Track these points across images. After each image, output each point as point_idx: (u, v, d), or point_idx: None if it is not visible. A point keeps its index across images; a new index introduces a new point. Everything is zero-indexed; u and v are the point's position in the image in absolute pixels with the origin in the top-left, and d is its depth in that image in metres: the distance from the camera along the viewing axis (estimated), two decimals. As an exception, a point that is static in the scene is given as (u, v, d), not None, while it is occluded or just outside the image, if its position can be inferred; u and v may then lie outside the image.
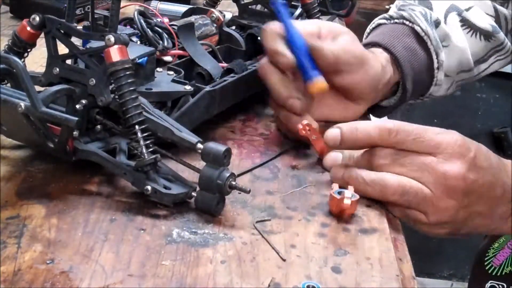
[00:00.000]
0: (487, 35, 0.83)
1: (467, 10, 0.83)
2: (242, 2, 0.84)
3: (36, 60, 0.76)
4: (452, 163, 0.56)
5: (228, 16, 0.83)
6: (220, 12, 0.80)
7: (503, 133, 2.04)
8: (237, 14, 0.85)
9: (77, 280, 0.44)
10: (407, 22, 0.78)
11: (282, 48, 0.64)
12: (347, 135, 0.59)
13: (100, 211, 0.53)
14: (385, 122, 0.58)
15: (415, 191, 0.56)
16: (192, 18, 0.77)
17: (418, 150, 0.57)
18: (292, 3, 0.85)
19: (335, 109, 0.71)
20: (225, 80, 0.67)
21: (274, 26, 0.66)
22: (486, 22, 0.83)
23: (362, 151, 0.60)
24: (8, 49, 0.59)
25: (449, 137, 0.57)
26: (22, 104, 0.49)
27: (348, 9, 0.96)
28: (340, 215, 0.55)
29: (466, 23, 0.82)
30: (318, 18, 0.85)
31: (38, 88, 0.52)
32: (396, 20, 0.79)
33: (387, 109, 0.78)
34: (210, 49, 0.74)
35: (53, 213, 0.52)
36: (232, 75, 0.69)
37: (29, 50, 0.60)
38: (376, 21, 0.83)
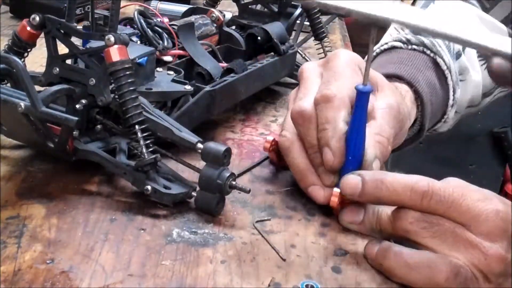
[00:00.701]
0: None
1: None
2: (242, 2, 0.84)
3: (36, 60, 0.76)
4: (492, 243, 0.47)
5: (228, 16, 0.83)
6: (220, 12, 0.80)
7: (503, 133, 2.04)
8: (237, 14, 0.86)
9: (77, 280, 0.44)
10: (429, 52, 0.70)
11: (342, 127, 0.53)
12: (369, 188, 0.50)
13: (100, 211, 0.53)
14: (418, 181, 0.49)
15: (465, 271, 0.47)
16: (192, 18, 0.77)
17: (453, 220, 0.48)
18: (292, 3, 0.85)
19: None
20: (225, 80, 0.67)
21: (343, 94, 0.54)
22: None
23: (388, 207, 0.51)
24: (8, 49, 0.59)
25: (490, 208, 0.47)
26: (22, 104, 0.49)
27: (348, 9, 0.96)
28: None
29: (481, 55, 0.75)
30: (317, 18, 0.85)
31: (38, 88, 0.52)
32: (415, 47, 0.71)
33: (399, 146, 0.68)
34: (210, 49, 0.74)
35: (53, 213, 0.52)
36: (232, 75, 0.69)
37: (29, 50, 0.59)
38: (390, 42, 0.74)
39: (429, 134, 0.76)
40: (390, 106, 0.58)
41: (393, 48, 0.73)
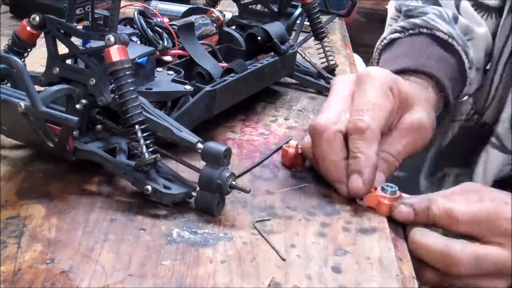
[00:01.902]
0: (500, 11, 0.77)
1: None
2: (242, 2, 0.85)
3: (36, 60, 0.76)
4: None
5: (228, 16, 0.84)
6: (220, 12, 0.80)
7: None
8: (237, 14, 0.86)
9: (77, 280, 0.44)
10: (425, 30, 0.72)
11: (376, 161, 0.56)
12: (421, 219, 0.56)
13: (100, 211, 0.53)
14: (455, 207, 0.55)
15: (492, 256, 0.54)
16: (192, 18, 0.77)
17: (486, 237, 0.54)
18: (292, 3, 0.85)
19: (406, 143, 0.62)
20: (225, 80, 0.67)
21: (375, 126, 0.57)
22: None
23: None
24: (8, 49, 0.59)
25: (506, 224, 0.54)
26: (22, 104, 0.49)
27: (348, 9, 0.96)
28: (293, 167, 0.62)
29: (478, 7, 0.76)
30: (317, 18, 0.85)
31: (38, 88, 0.52)
32: (411, 31, 0.73)
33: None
34: (210, 49, 0.74)
35: (53, 213, 0.52)
36: (232, 75, 0.69)
37: (29, 50, 0.60)
38: (388, 36, 0.76)
39: (455, 102, 0.77)
40: (412, 124, 0.60)
41: (393, 40, 0.74)
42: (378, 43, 0.78)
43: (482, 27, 0.75)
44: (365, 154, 0.56)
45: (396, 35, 0.74)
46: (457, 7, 0.75)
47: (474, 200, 0.56)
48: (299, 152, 0.63)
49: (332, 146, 0.57)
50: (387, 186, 0.57)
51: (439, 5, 0.75)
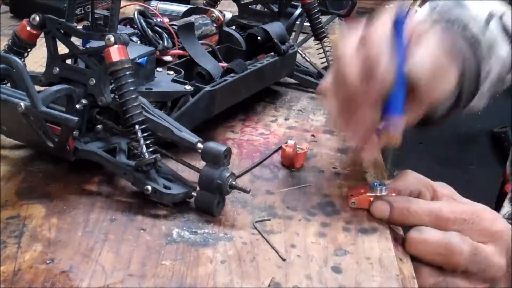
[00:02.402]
0: None
1: (502, 15, 0.75)
2: (242, 2, 0.85)
3: (36, 60, 0.76)
4: (502, 258, 0.56)
5: (228, 16, 0.84)
6: (220, 12, 0.80)
7: (503, 133, 2.04)
8: (237, 14, 0.86)
9: (77, 279, 0.44)
10: (456, 27, 0.69)
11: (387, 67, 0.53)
12: (397, 215, 0.56)
13: (100, 211, 0.53)
14: (441, 208, 0.56)
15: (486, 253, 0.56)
16: (192, 18, 0.77)
17: (471, 236, 0.56)
18: (292, 3, 0.85)
19: None
20: (225, 80, 0.67)
21: (385, 26, 0.54)
22: None
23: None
24: (8, 49, 0.59)
25: (502, 225, 0.57)
26: (22, 104, 0.49)
27: (348, 8, 0.96)
28: (292, 166, 0.62)
29: (505, 31, 0.74)
30: (317, 18, 0.85)
31: (38, 88, 0.52)
32: (443, 24, 0.69)
33: (435, 122, 0.69)
34: (210, 49, 0.74)
35: (53, 213, 0.52)
36: (232, 75, 0.69)
37: (29, 50, 0.59)
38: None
39: (465, 113, 0.74)
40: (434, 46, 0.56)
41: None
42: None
43: (503, 49, 0.74)
44: (378, 49, 0.53)
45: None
46: (487, 22, 0.73)
47: (451, 202, 0.58)
48: (298, 152, 0.63)
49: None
50: (376, 185, 0.57)
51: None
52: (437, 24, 0.69)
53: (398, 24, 0.54)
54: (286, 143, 0.64)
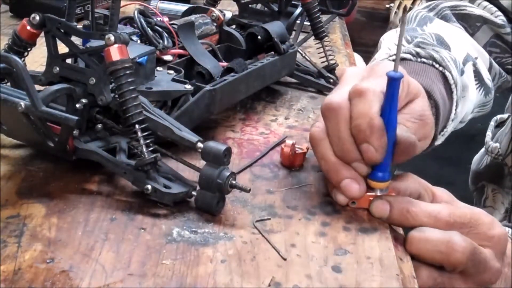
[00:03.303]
0: (487, 92, 0.80)
1: (477, 59, 0.77)
2: (242, 1, 0.84)
3: (36, 59, 0.76)
4: (497, 261, 0.58)
5: (228, 15, 0.83)
6: (220, 11, 0.80)
7: (503, 132, 2.04)
8: (237, 13, 0.86)
9: (77, 279, 0.44)
10: (437, 66, 0.71)
11: (379, 121, 0.53)
12: (396, 215, 0.55)
13: (100, 210, 0.53)
14: (440, 211, 0.56)
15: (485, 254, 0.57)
16: (192, 17, 0.77)
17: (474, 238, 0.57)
18: (292, 2, 0.85)
19: None
20: (225, 79, 0.67)
21: (377, 88, 0.54)
22: (488, 78, 0.79)
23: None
24: (8, 48, 0.59)
25: (499, 231, 0.58)
26: (22, 103, 0.49)
27: (348, 8, 0.96)
28: (291, 166, 0.62)
29: (477, 76, 0.77)
30: (318, 17, 0.85)
31: (38, 87, 0.52)
32: (424, 60, 0.71)
33: None
34: (210, 48, 0.74)
35: (53, 212, 0.52)
36: (232, 74, 0.69)
37: (29, 49, 0.59)
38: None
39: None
40: (416, 111, 0.58)
41: (403, 59, 0.72)
42: (383, 56, 0.75)
43: (473, 93, 0.76)
44: (366, 118, 0.52)
45: (408, 56, 0.72)
46: (464, 65, 0.76)
47: (450, 206, 0.58)
48: (297, 151, 0.63)
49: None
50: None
51: (451, 53, 0.75)
52: (419, 58, 0.71)
53: (393, 83, 0.53)
54: (285, 142, 0.63)
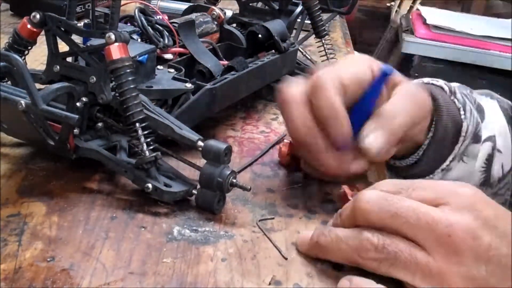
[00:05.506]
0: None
1: (497, 136, 0.69)
2: (243, 0, 0.84)
3: (36, 58, 0.76)
4: (461, 214, 0.44)
5: (229, 13, 0.83)
6: (221, 9, 0.79)
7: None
8: (238, 11, 0.85)
9: (78, 278, 0.44)
10: (462, 112, 0.64)
11: (342, 128, 0.53)
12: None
13: (100, 209, 0.53)
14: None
15: (397, 251, 0.44)
16: (192, 16, 0.77)
17: (421, 200, 0.45)
18: (293, 0, 0.85)
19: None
20: (225, 78, 0.67)
21: (331, 74, 0.54)
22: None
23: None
24: (9, 47, 0.59)
25: (463, 188, 0.46)
26: (23, 102, 0.49)
27: (349, 6, 0.96)
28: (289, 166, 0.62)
29: (488, 160, 0.68)
30: (319, 15, 0.85)
31: (38, 86, 0.52)
32: (456, 101, 0.64)
33: (399, 170, 0.65)
34: (211, 47, 0.74)
35: (54, 210, 0.52)
36: (232, 72, 0.69)
37: (29, 47, 0.59)
38: (440, 81, 0.67)
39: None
40: (407, 89, 0.57)
41: (435, 85, 0.66)
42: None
43: (475, 168, 0.68)
44: (328, 101, 0.52)
45: (446, 87, 0.66)
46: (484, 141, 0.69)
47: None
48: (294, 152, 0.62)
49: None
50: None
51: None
52: (452, 96, 0.65)
53: (383, 74, 0.55)
54: (283, 141, 0.63)
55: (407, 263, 0.44)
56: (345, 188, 0.55)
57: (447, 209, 0.44)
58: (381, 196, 0.46)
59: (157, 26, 0.71)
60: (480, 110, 0.69)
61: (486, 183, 0.69)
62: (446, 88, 0.65)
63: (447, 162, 0.64)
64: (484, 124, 0.68)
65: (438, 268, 0.43)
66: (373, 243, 0.45)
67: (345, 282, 0.45)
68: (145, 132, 0.54)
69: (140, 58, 0.61)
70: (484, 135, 0.67)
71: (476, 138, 0.66)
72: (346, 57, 0.57)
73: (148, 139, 0.54)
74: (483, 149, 0.67)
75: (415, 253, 0.44)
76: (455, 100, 0.64)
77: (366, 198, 0.46)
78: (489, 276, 0.43)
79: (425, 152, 0.64)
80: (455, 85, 0.69)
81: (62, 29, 0.56)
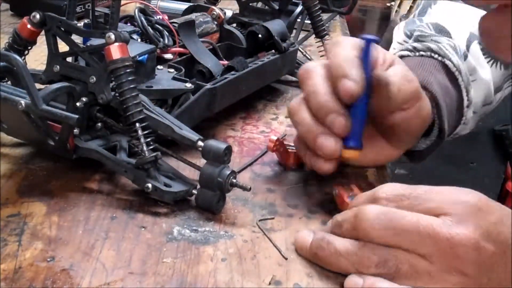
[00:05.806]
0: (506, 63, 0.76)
1: None
2: (243, 0, 0.84)
3: (36, 58, 0.76)
4: (463, 225, 0.43)
5: (229, 13, 0.83)
6: (221, 9, 0.79)
7: (504, 130, 2.03)
8: (238, 11, 0.85)
9: (78, 277, 0.44)
10: (436, 56, 0.69)
11: (355, 57, 0.54)
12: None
13: (100, 208, 0.53)
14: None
15: (397, 264, 0.44)
16: (192, 16, 0.77)
17: (423, 210, 0.45)
18: (293, 0, 0.85)
19: (367, 152, 0.58)
20: (225, 78, 0.67)
21: (349, 41, 0.56)
22: None
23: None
24: (9, 47, 0.59)
25: (466, 196, 0.46)
26: (23, 102, 0.49)
27: (349, 6, 0.96)
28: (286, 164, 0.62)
29: (487, 52, 0.74)
30: (319, 15, 0.85)
31: (38, 86, 0.52)
32: (422, 53, 0.70)
33: (423, 153, 0.67)
34: (211, 47, 0.74)
35: (54, 210, 0.52)
36: (232, 72, 0.69)
37: (29, 47, 0.60)
38: (397, 52, 0.74)
39: (451, 139, 0.74)
40: (398, 72, 0.57)
41: (401, 57, 0.72)
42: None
43: (486, 71, 0.74)
44: (345, 57, 0.54)
45: (406, 53, 0.72)
46: (467, 47, 0.74)
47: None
48: (289, 150, 0.62)
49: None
50: (352, 198, 0.54)
51: (452, 39, 0.74)
52: (417, 52, 0.70)
53: (367, 44, 0.54)
54: (283, 137, 0.63)
55: (408, 274, 0.44)
56: (340, 189, 0.55)
57: (449, 219, 0.44)
58: (381, 212, 0.45)
59: (157, 26, 0.71)
60: (440, 29, 0.74)
61: (506, 65, 0.75)
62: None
63: (465, 109, 0.68)
64: (454, 36, 0.72)
65: (440, 277, 0.43)
66: (373, 260, 0.45)
67: (358, 280, 0.45)
68: (145, 132, 0.54)
69: (140, 58, 0.61)
70: (461, 44, 0.72)
71: (464, 56, 0.70)
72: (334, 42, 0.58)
73: (148, 139, 0.54)
74: (474, 52, 0.72)
75: (416, 264, 0.44)
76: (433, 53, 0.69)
77: (366, 216, 0.46)
78: (492, 284, 0.43)
79: (442, 127, 0.65)
80: (415, 35, 0.74)
81: (62, 29, 0.56)
